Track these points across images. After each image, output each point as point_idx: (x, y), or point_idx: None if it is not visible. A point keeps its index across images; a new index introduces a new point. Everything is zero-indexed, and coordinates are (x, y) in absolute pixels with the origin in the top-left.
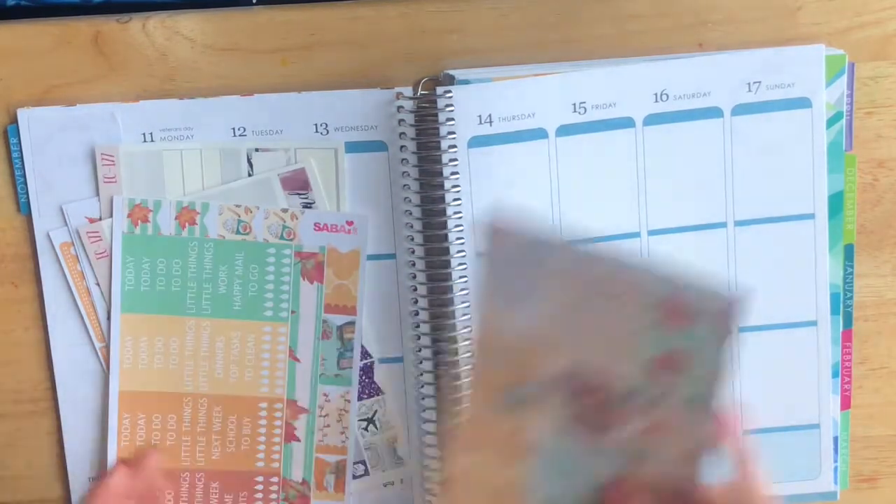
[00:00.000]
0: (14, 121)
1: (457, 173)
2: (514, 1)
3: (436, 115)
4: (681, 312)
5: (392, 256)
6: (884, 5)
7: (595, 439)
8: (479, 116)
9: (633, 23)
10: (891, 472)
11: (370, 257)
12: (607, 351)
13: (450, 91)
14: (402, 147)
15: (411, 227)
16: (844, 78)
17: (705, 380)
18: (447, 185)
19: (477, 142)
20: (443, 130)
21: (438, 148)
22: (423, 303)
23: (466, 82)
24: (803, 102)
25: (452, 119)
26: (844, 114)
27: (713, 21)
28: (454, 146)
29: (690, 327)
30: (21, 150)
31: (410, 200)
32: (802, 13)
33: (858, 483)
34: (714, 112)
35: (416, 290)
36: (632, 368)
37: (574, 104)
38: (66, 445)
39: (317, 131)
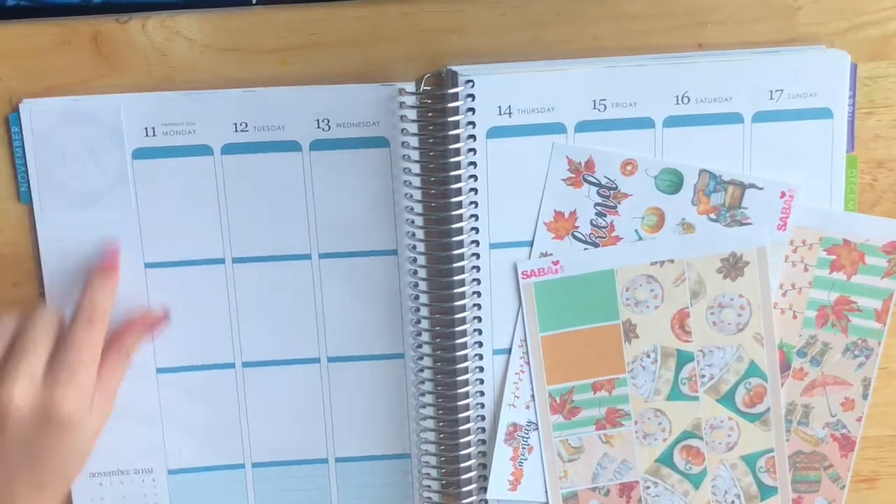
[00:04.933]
0: (15, 110)
1: (474, 163)
2: (514, 0)
3: (444, 108)
4: (852, 254)
5: (394, 252)
6: (883, 5)
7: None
8: (499, 107)
9: (631, 22)
10: (890, 472)
11: (371, 254)
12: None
13: (471, 80)
14: (403, 143)
15: (413, 222)
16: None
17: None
18: (463, 175)
19: (495, 132)
20: (462, 121)
21: (445, 141)
22: (424, 298)
23: (469, 79)
24: (824, 113)
25: (473, 109)
26: (847, 115)
27: (712, 21)
28: (473, 136)
29: (860, 267)
30: (23, 141)
31: (412, 196)
32: (802, 13)
33: (858, 483)
34: (734, 118)
35: (417, 285)
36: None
37: (594, 101)
38: None
39: (318, 127)
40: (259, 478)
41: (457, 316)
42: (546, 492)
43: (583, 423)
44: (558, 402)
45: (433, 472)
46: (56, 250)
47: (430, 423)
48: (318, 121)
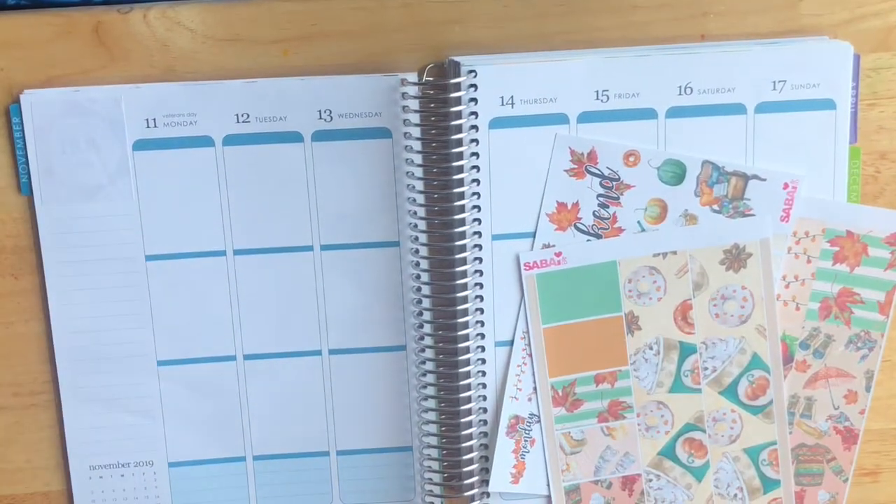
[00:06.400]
0: (16, 101)
1: (476, 153)
2: None
3: (446, 99)
4: (855, 245)
5: (396, 244)
6: None
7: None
8: (502, 98)
9: (635, 14)
10: (893, 465)
11: (374, 245)
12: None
13: (474, 71)
14: (405, 134)
15: (415, 213)
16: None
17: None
18: (466, 165)
19: (498, 123)
20: (464, 112)
21: (448, 132)
22: (426, 290)
23: (472, 69)
24: (827, 104)
25: (475, 99)
26: (850, 106)
27: (715, 12)
28: (475, 126)
29: (863, 259)
30: (23, 132)
31: (414, 187)
32: (804, 4)
33: (861, 477)
34: (737, 108)
35: (419, 277)
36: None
37: (597, 91)
38: (67, 436)
39: (321, 118)
40: (260, 470)
41: (459, 308)
42: (548, 485)
43: (585, 416)
44: (560, 394)
45: (435, 465)
46: (56, 242)
47: (431, 416)
48: (319, 112)
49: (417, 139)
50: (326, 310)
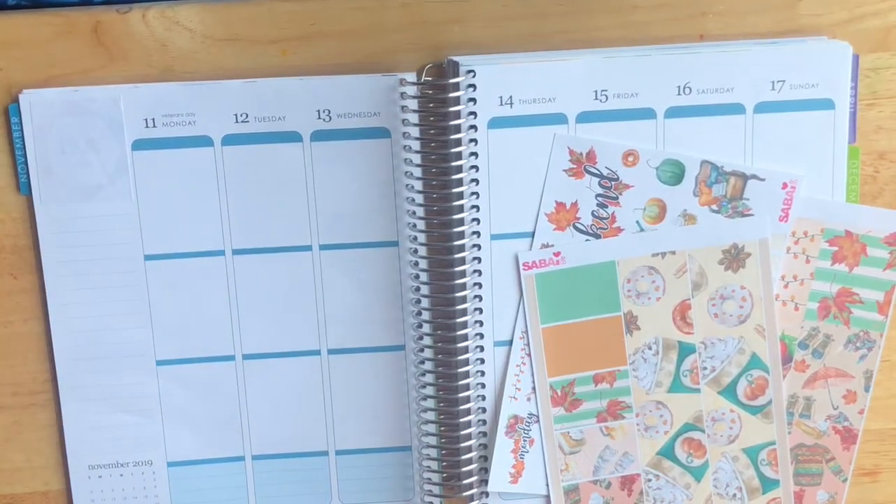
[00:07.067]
0: (15, 101)
1: (475, 153)
2: None
3: (445, 99)
4: (853, 245)
5: (395, 244)
6: None
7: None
8: (501, 97)
9: (634, 13)
10: (892, 465)
11: (372, 245)
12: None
13: (472, 70)
14: (404, 133)
15: (414, 213)
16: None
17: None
18: (465, 165)
19: (496, 123)
20: (463, 112)
21: (447, 132)
22: (424, 290)
23: (471, 69)
24: (826, 104)
25: (474, 99)
26: (849, 106)
27: (714, 12)
28: (474, 126)
29: (862, 258)
30: (22, 132)
31: (413, 187)
32: (803, 4)
33: (860, 477)
34: (736, 108)
35: (418, 277)
36: (802, 320)
37: (596, 91)
38: (66, 436)
39: (319, 117)
40: (259, 470)
41: (458, 307)
42: (547, 484)
43: (584, 416)
44: (559, 394)
45: (434, 465)
46: (55, 242)
47: (430, 416)
48: (318, 111)
49: (416, 139)
50: (325, 309)
